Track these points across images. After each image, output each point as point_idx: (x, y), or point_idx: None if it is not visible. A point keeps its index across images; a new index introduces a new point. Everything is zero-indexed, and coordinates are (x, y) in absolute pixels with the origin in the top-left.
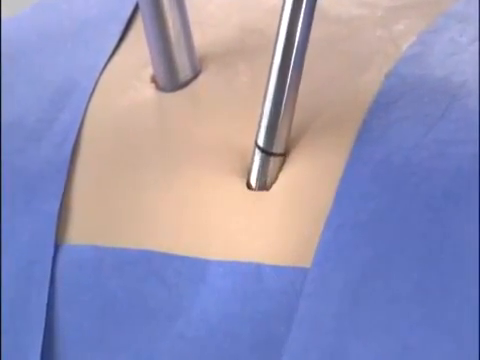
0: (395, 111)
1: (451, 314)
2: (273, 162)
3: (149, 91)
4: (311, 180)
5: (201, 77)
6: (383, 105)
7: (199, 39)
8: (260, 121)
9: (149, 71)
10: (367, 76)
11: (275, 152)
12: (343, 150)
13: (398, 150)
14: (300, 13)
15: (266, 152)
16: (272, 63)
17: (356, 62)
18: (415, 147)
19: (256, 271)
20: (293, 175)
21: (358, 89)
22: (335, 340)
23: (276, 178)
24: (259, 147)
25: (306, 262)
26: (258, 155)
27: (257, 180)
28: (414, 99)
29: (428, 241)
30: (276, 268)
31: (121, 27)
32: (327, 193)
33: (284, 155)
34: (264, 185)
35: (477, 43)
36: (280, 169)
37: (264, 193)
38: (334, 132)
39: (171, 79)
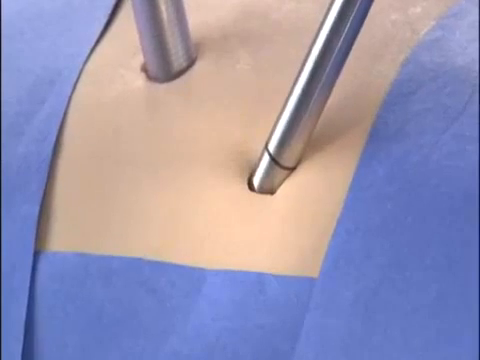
0: (413, 103)
1: (473, 330)
2: (281, 172)
3: (139, 81)
4: (320, 183)
5: (197, 66)
6: (399, 97)
7: (195, 23)
8: (275, 126)
9: (139, 59)
10: (381, 64)
11: (285, 165)
12: (356, 150)
13: (416, 147)
14: (350, 17)
15: (275, 162)
16: (301, 70)
17: (369, 49)
18: (435, 144)
19: (257, 281)
20: (301, 177)
21: (371, 79)
22: (345, 358)
23: (282, 182)
24: (269, 153)
25: (313, 271)
26: (266, 161)
27: (261, 184)
28: (434, 90)
29: (448, 248)
30: (279, 278)
31: (108, 10)
32: (338, 197)
33: (294, 169)
34: (269, 189)
35: None
36: (288, 175)
37: (268, 197)
38: (346, 130)
39: (163, 68)
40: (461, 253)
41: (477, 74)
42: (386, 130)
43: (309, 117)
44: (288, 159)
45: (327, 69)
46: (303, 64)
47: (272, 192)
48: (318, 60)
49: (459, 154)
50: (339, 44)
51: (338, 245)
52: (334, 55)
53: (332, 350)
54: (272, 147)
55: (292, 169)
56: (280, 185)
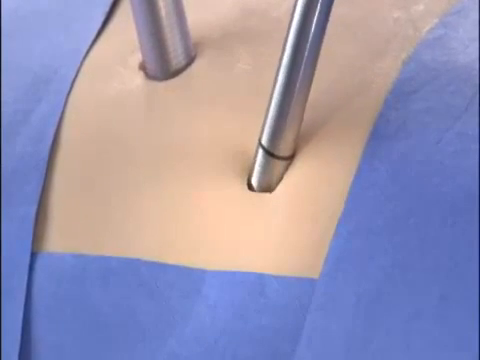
0: (415, 102)
1: (476, 333)
2: (278, 165)
3: (137, 80)
4: (320, 181)
5: (196, 64)
6: (402, 95)
7: (194, 21)
8: (265, 118)
9: (137, 57)
10: (383, 63)
11: (280, 155)
12: (357, 148)
13: (419, 146)
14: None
15: (270, 154)
16: (282, 56)
17: (371, 47)
18: (438, 143)
19: (258, 283)
20: (300, 175)
21: (373, 78)
22: None
23: (281, 178)
24: (263, 147)
25: (314, 273)
26: (261, 155)
27: (259, 181)
28: (437, 88)
29: (451, 249)
30: (280, 279)
31: (106, 8)
32: (339, 195)
33: (291, 158)
34: (267, 186)
35: None
36: (286, 169)
37: (267, 195)
38: (347, 128)
39: (162, 66)
40: (465, 254)
41: (478, 73)
42: (388, 128)
43: (296, 103)
44: (283, 148)
45: (306, 50)
46: (282, 53)
47: (271, 189)
48: (295, 47)
49: (462, 153)
50: (313, 25)
51: (339, 245)
52: (309, 40)
53: (333, 353)
54: (265, 140)
55: (289, 159)
56: (279, 180)
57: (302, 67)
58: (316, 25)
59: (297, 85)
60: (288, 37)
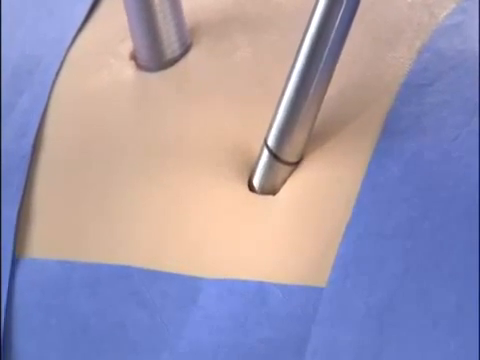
0: (430, 95)
1: None
2: (283, 169)
3: (128, 70)
4: (328, 182)
5: (192, 53)
6: (416, 88)
7: (189, 6)
8: (274, 117)
9: (128, 46)
10: (396, 52)
11: (287, 160)
12: (368, 146)
13: (434, 143)
14: None
15: (276, 157)
16: (298, 52)
17: (383, 34)
18: (454, 140)
19: (259, 291)
20: (307, 175)
21: (385, 68)
22: None
23: (285, 181)
24: (268, 148)
25: (320, 280)
26: (266, 157)
27: (262, 183)
28: (453, 80)
29: (468, 255)
30: (283, 287)
31: None
32: (347, 197)
33: (297, 163)
34: (270, 188)
35: None
36: (291, 173)
37: (270, 197)
38: (356, 123)
39: (155, 56)
40: None
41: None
42: (400, 124)
43: (310, 105)
44: (290, 153)
45: (325, 51)
46: (299, 48)
47: (274, 192)
48: (314, 43)
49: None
50: (336, 25)
51: (348, 251)
52: (331, 36)
53: None
54: (271, 141)
55: (295, 164)
56: (283, 184)
57: (320, 66)
58: (340, 22)
59: (313, 86)
60: (307, 32)
